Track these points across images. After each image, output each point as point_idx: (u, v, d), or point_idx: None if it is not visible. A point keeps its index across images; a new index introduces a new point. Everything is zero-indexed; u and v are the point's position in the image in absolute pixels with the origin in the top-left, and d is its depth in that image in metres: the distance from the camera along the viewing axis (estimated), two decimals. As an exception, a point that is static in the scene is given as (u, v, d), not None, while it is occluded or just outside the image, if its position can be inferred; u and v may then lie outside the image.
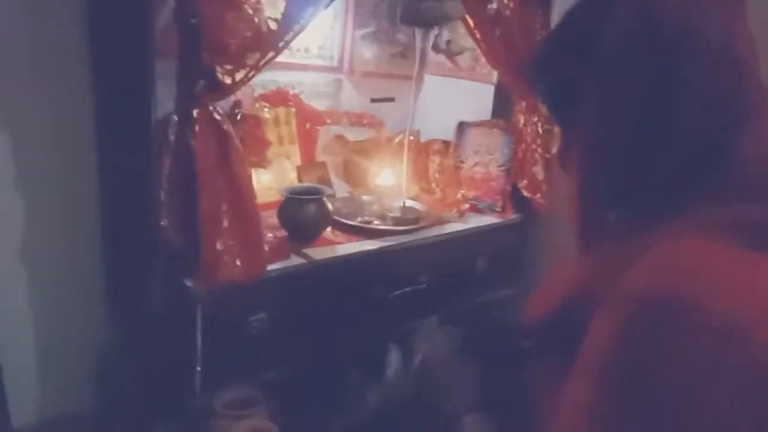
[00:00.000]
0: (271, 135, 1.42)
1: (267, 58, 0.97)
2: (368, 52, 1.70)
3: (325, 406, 1.29)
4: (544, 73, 0.66)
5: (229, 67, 0.92)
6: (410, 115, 1.51)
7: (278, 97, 1.46)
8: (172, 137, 1.03)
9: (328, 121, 1.60)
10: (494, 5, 1.37)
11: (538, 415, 0.63)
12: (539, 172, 1.56)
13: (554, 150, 0.68)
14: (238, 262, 1.01)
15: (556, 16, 1.52)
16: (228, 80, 0.92)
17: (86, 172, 1.25)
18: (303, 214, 1.19)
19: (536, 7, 1.48)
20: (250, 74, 0.96)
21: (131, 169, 1.13)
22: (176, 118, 0.94)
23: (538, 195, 1.56)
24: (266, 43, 0.95)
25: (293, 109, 1.49)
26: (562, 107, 0.64)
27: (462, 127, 1.65)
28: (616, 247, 0.55)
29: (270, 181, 1.43)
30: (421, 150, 1.73)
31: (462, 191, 1.60)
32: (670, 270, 0.44)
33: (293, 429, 1.16)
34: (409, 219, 1.39)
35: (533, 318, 0.67)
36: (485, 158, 1.62)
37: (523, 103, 1.54)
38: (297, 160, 1.52)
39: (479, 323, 1.49)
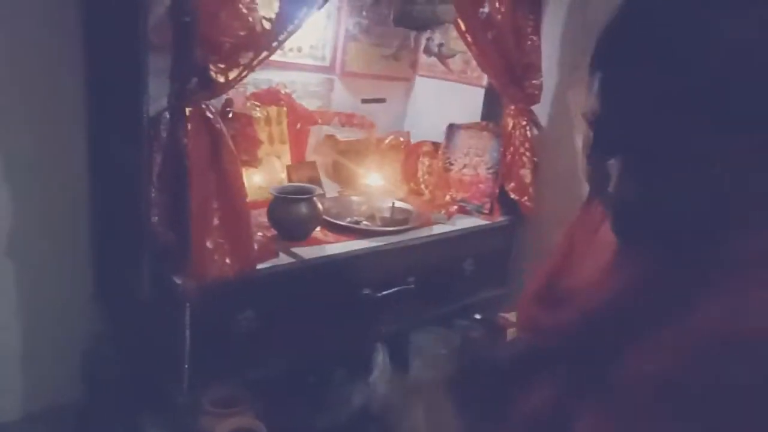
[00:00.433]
0: (262, 134, 1.43)
1: (260, 57, 0.97)
2: (361, 53, 1.71)
3: (311, 405, 1.30)
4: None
5: (222, 65, 0.93)
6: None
7: (270, 96, 1.46)
8: (164, 134, 1.04)
9: (320, 121, 1.61)
10: (486, 9, 1.39)
11: None
12: (527, 175, 1.58)
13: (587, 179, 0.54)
14: (227, 260, 1.02)
15: (547, 21, 1.54)
16: (221, 79, 0.93)
17: (75, 166, 1.24)
18: (293, 213, 1.19)
19: (527, 11, 1.50)
20: (244, 73, 0.96)
21: (122, 164, 1.12)
22: (168, 115, 0.94)
23: (526, 198, 1.58)
24: (260, 43, 0.96)
25: (284, 109, 1.50)
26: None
27: (452, 129, 1.67)
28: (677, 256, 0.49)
29: (260, 180, 1.43)
30: (411, 151, 1.74)
31: (450, 193, 1.61)
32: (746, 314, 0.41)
33: (279, 427, 1.17)
34: (398, 220, 1.40)
35: (535, 335, 0.65)
36: (474, 160, 1.63)
37: (512, 107, 1.56)
38: (287, 159, 1.52)
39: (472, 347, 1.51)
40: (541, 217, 1.64)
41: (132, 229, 1.09)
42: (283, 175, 1.50)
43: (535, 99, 1.54)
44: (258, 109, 1.42)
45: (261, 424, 1.02)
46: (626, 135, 0.47)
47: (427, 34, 1.27)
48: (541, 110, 1.59)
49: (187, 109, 0.92)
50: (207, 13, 0.91)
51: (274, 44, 0.99)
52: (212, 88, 0.93)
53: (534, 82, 1.53)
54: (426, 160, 1.70)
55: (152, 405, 1.12)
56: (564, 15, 1.55)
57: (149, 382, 1.14)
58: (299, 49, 1.57)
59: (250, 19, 0.94)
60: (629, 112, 0.46)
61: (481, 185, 1.61)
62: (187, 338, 1.01)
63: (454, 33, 1.47)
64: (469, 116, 1.74)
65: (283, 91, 1.50)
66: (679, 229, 0.48)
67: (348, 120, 1.70)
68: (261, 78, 1.47)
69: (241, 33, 0.93)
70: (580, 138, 1.63)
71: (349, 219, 1.39)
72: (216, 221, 1.00)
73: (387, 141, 1.72)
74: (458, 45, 1.51)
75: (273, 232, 1.22)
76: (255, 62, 0.97)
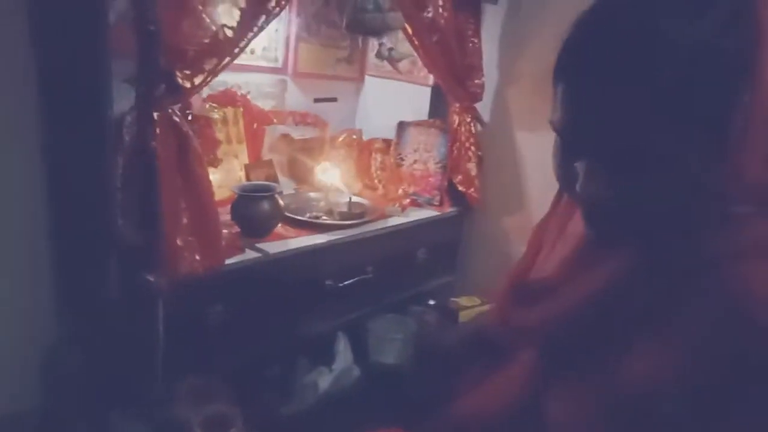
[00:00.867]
0: (219, 134, 1.47)
1: (224, 63, 1.02)
2: (312, 54, 1.77)
3: (279, 392, 1.36)
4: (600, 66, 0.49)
5: (188, 71, 0.97)
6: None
7: (226, 98, 1.50)
8: (127, 138, 1.07)
9: (275, 120, 1.66)
10: (430, 14, 1.48)
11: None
12: (473, 168, 1.69)
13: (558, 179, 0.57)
14: (197, 257, 1.06)
15: (486, 26, 1.66)
16: (187, 84, 0.97)
17: (31, 170, 1.24)
18: (256, 210, 1.25)
19: (468, 16, 1.61)
20: (208, 78, 1.01)
21: (84, 168, 1.15)
22: (136, 121, 0.98)
23: (472, 189, 1.70)
24: (223, 50, 1.01)
25: (241, 109, 1.54)
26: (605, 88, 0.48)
27: (402, 126, 1.76)
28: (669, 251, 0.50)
29: (219, 180, 1.47)
30: (364, 148, 1.82)
31: (403, 187, 1.70)
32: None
33: (250, 415, 1.23)
34: (356, 214, 1.48)
35: (515, 325, 0.66)
36: (423, 156, 1.73)
37: (457, 105, 1.67)
38: (245, 158, 1.57)
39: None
40: (486, 207, 1.76)
41: (98, 230, 1.12)
42: (242, 174, 1.55)
43: (477, 97, 1.66)
44: (216, 110, 1.45)
45: (236, 409, 1.07)
46: (589, 139, 0.50)
47: (378, 40, 1.34)
48: (484, 108, 1.71)
49: (155, 114, 0.96)
50: (170, 23, 0.95)
51: (236, 50, 1.05)
52: (179, 94, 0.98)
53: (476, 81, 1.64)
54: (378, 156, 1.78)
55: (124, 402, 1.15)
56: (501, 19, 1.67)
57: (120, 379, 1.17)
58: (252, 51, 1.62)
59: (213, 27, 0.99)
60: (591, 118, 0.49)
61: (431, 179, 1.71)
62: (161, 333, 1.05)
63: (401, 36, 1.57)
64: (417, 114, 1.84)
65: (239, 93, 1.54)
66: (646, 226, 0.50)
67: (302, 119, 1.76)
68: (217, 80, 1.49)
69: (205, 41, 0.98)
70: (520, 132, 1.77)
71: (308, 214, 1.46)
72: (185, 220, 1.04)
73: (340, 138, 1.80)
74: (406, 48, 1.60)
75: (237, 229, 1.27)
76: (219, 67, 1.02)
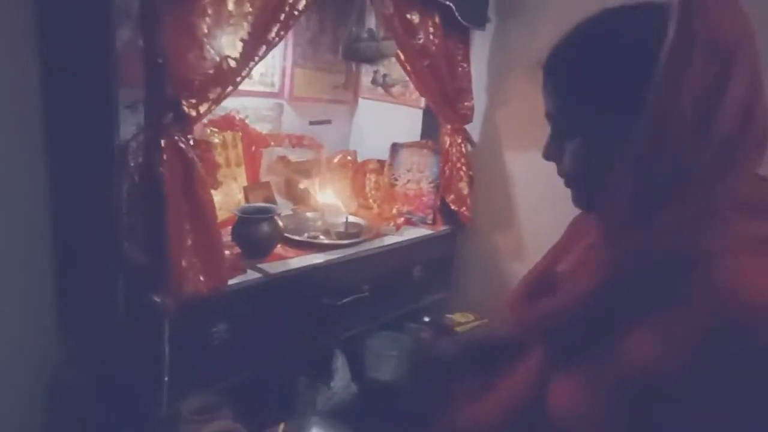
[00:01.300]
0: (219, 158, 1.51)
1: (227, 91, 1.07)
2: (307, 78, 1.83)
3: (279, 409, 1.39)
4: (582, 86, 0.63)
5: (193, 100, 1.02)
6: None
7: (226, 122, 1.55)
8: (132, 163, 1.11)
9: (272, 143, 1.71)
10: (421, 41, 1.55)
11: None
12: (464, 187, 1.75)
13: (543, 154, 0.69)
14: (201, 278, 1.10)
15: (475, 50, 1.73)
16: (193, 113, 1.02)
17: (38, 192, 1.27)
18: (257, 231, 1.29)
19: (457, 42, 1.68)
20: (213, 107, 1.06)
21: (89, 192, 1.18)
22: (143, 147, 1.02)
23: (464, 208, 1.75)
24: (226, 79, 1.06)
25: (239, 133, 1.59)
26: (599, 117, 0.61)
27: (395, 147, 1.82)
28: (649, 252, 0.58)
29: (219, 202, 1.51)
30: (358, 169, 1.87)
31: (397, 206, 1.75)
32: (743, 289, 0.51)
33: (253, 430, 1.25)
34: (352, 233, 1.52)
35: (518, 327, 0.73)
36: (417, 176, 1.79)
37: (448, 127, 1.73)
38: (243, 181, 1.61)
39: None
40: (478, 225, 1.82)
41: (104, 252, 1.15)
42: (241, 196, 1.59)
43: (468, 119, 1.72)
44: (216, 134, 1.50)
45: (240, 426, 1.10)
46: (571, 124, 0.64)
47: (373, 67, 1.40)
48: (474, 129, 1.78)
49: (162, 141, 1.00)
50: (177, 54, 1.00)
51: (238, 79, 1.10)
52: (185, 121, 1.02)
53: (466, 104, 1.70)
54: (373, 177, 1.83)
55: (129, 421, 1.17)
56: (489, 45, 1.74)
57: (125, 399, 1.20)
58: (250, 77, 1.66)
59: (217, 58, 1.04)
60: (569, 108, 0.64)
61: (424, 198, 1.76)
62: (167, 352, 1.08)
63: (394, 61, 1.63)
64: (409, 135, 1.90)
65: (237, 117, 1.59)
66: (618, 196, 0.59)
67: (298, 141, 1.81)
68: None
69: (210, 71, 1.04)
70: (509, 153, 1.82)
71: (306, 234, 1.50)
72: (189, 242, 1.08)
73: (336, 160, 1.85)
74: (399, 73, 1.66)
75: (237, 249, 1.31)
76: (222, 96, 1.07)
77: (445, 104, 1.68)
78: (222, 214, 1.45)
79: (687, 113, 0.56)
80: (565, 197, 0.68)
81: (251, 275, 1.24)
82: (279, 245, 1.40)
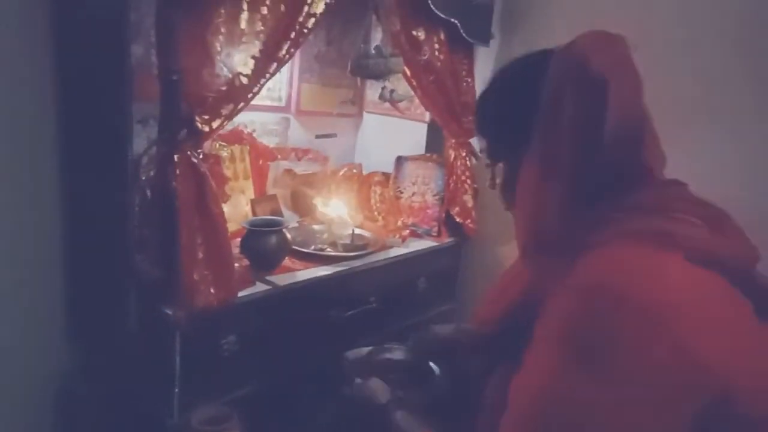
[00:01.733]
0: (228, 171, 1.53)
1: (239, 107, 1.10)
2: (313, 93, 1.86)
3: (289, 420, 1.39)
4: (491, 122, 0.85)
5: (206, 116, 1.04)
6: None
7: (234, 136, 1.57)
8: (144, 177, 1.14)
9: (279, 156, 1.73)
10: (427, 56, 1.58)
11: (486, 404, 0.80)
12: (469, 200, 1.77)
13: (487, 184, 0.92)
14: (212, 290, 1.12)
15: (479, 65, 1.75)
16: (206, 128, 1.04)
17: (51, 205, 1.29)
18: (265, 244, 1.31)
19: (462, 57, 1.71)
20: (225, 122, 1.08)
21: (101, 205, 1.20)
22: (157, 162, 1.04)
23: (469, 220, 1.77)
24: (238, 96, 1.09)
25: (247, 147, 1.61)
26: (508, 147, 0.81)
27: (400, 160, 1.84)
28: (557, 257, 0.70)
29: (227, 214, 1.52)
30: (364, 181, 1.89)
31: (402, 219, 1.77)
32: (595, 268, 0.64)
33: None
34: (359, 246, 1.54)
35: (483, 325, 0.85)
36: (422, 188, 1.81)
37: (453, 140, 1.75)
38: (251, 193, 1.63)
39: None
40: (482, 237, 1.83)
41: (116, 265, 1.17)
42: (248, 209, 1.61)
43: (472, 133, 1.74)
44: (224, 148, 1.52)
45: (249, 437, 1.11)
46: (495, 152, 0.86)
47: (381, 83, 1.43)
48: (478, 142, 1.80)
49: (176, 156, 1.02)
50: (191, 72, 1.03)
51: (250, 95, 1.12)
52: (199, 137, 1.04)
53: (471, 118, 1.73)
54: (378, 189, 1.85)
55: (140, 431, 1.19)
56: (493, 60, 1.77)
57: (134, 410, 1.21)
58: (258, 92, 1.70)
59: (230, 75, 1.07)
60: (494, 141, 0.86)
61: (429, 210, 1.78)
62: (177, 364, 1.09)
63: (399, 77, 1.65)
64: (413, 148, 1.92)
65: (245, 131, 1.62)
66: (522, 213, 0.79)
67: (304, 154, 1.84)
68: (225, 120, 1.58)
69: (223, 88, 1.06)
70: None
71: (313, 246, 1.52)
72: (201, 255, 1.10)
73: (341, 173, 1.87)
74: (405, 89, 1.69)
75: (246, 262, 1.33)
76: (234, 112, 1.09)
77: (450, 118, 1.70)
78: (230, 227, 1.46)
79: (566, 140, 0.68)
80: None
81: (260, 287, 1.26)
82: (286, 257, 1.42)
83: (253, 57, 1.10)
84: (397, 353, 1.26)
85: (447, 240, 1.77)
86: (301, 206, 1.80)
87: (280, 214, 1.66)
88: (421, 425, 0.90)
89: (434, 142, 1.88)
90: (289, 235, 1.38)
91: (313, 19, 1.17)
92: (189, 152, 1.05)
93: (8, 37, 1.15)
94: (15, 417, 1.32)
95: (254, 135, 1.67)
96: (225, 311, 1.14)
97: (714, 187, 0.75)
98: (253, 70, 1.10)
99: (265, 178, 1.71)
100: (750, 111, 1.35)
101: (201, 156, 1.13)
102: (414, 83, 1.59)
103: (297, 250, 1.44)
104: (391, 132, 2.02)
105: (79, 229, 1.30)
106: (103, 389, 1.29)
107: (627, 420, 0.57)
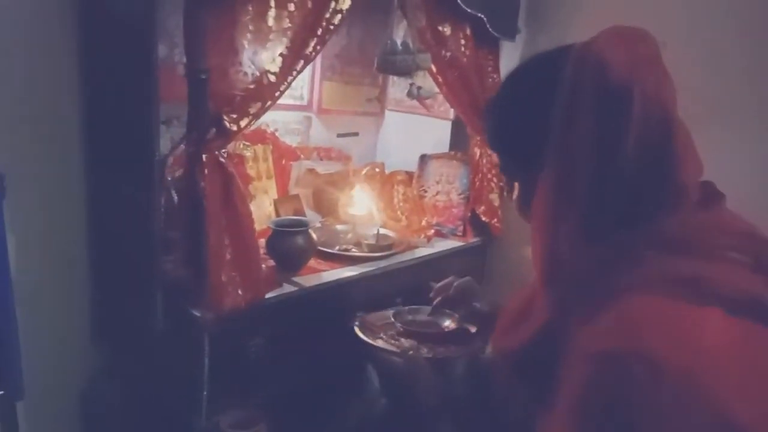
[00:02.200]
0: (251, 171, 1.52)
1: (266, 106, 1.08)
2: (334, 91, 1.84)
3: (315, 421, 1.38)
4: (501, 136, 0.74)
5: (234, 115, 1.03)
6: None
7: (257, 136, 1.56)
8: (170, 177, 1.12)
9: (301, 156, 1.71)
10: (452, 52, 1.55)
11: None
12: (495, 198, 1.74)
13: (505, 194, 0.85)
14: (240, 292, 1.10)
15: (504, 61, 1.72)
16: (234, 127, 1.03)
17: (76, 206, 1.29)
18: (292, 245, 1.29)
19: (487, 52, 1.68)
20: (252, 121, 1.07)
21: (127, 206, 1.19)
22: (185, 162, 1.03)
23: (495, 220, 1.74)
24: (266, 94, 1.07)
25: (270, 146, 1.60)
26: (523, 161, 0.71)
27: (424, 159, 1.81)
28: (577, 291, 0.63)
29: (251, 214, 1.52)
30: (386, 181, 1.86)
31: (426, 218, 1.74)
32: (628, 331, 0.55)
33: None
34: (384, 246, 1.51)
35: (502, 352, 0.80)
36: (446, 187, 1.78)
37: (478, 138, 1.72)
38: (274, 193, 1.62)
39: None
40: (508, 237, 1.80)
41: (142, 266, 1.16)
42: (271, 209, 1.59)
43: (498, 130, 1.71)
44: (247, 148, 1.51)
45: (279, 440, 1.10)
46: (506, 168, 0.80)
47: (407, 80, 1.41)
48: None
49: (204, 156, 1.01)
50: (218, 71, 1.01)
51: (277, 93, 1.10)
52: (226, 136, 1.03)
53: (496, 115, 1.69)
54: (401, 188, 1.83)
55: (167, 433, 1.18)
56: (519, 55, 1.73)
57: (162, 412, 1.20)
58: (280, 91, 1.68)
59: (257, 73, 1.05)
60: (505, 157, 0.77)
61: (454, 209, 1.75)
62: (206, 366, 1.08)
63: (423, 72, 1.63)
64: (437, 147, 1.89)
65: (268, 131, 1.60)
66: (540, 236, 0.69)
67: (326, 154, 1.82)
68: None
69: (251, 86, 1.04)
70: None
71: (338, 247, 1.50)
72: (228, 256, 1.09)
73: (363, 172, 1.84)
74: (430, 85, 1.66)
75: (272, 263, 1.31)
76: (262, 110, 1.07)
77: (475, 115, 1.67)
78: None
79: (583, 160, 0.60)
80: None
81: (287, 288, 1.24)
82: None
83: (281, 54, 1.08)
84: (420, 315, 1.32)
85: (472, 240, 1.73)
86: (324, 206, 1.79)
87: (303, 214, 1.64)
88: None
89: (459, 140, 1.85)
90: (315, 236, 1.36)
91: (339, 16, 1.15)
92: (216, 152, 1.03)
93: (34, 38, 1.14)
94: (42, 418, 1.32)
95: (277, 134, 1.65)
96: (252, 313, 1.13)
97: (728, 190, 0.67)
98: (280, 68, 1.08)
99: (287, 178, 1.69)
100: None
101: (226, 155, 1.12)
102: (439, 79, 1.56)
103: (322, 250, 1.42)
104: (414, 130, 1.99)
105: (105, 231, 1.30)
106: (130, 391, 1.28)
107: None
